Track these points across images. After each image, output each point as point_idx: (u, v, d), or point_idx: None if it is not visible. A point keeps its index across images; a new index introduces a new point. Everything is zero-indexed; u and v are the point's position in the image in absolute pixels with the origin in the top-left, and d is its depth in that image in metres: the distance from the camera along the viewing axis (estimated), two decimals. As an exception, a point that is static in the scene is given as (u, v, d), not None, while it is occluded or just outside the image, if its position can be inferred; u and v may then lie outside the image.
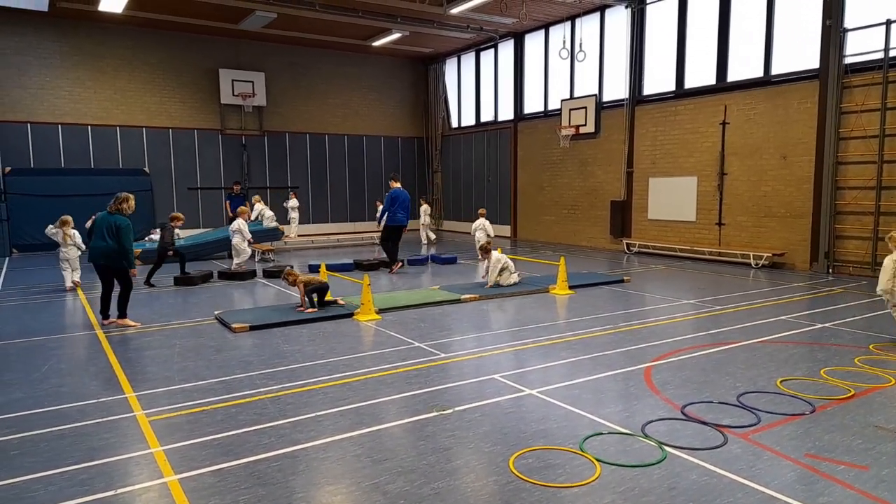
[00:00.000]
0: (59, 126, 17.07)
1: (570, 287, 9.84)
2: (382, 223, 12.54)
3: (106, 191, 16.66)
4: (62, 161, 17.13)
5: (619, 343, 6.67)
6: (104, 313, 7.78)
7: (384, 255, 12.73)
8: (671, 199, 14.82)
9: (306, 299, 8.18)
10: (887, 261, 6.90)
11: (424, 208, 18.65)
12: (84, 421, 4.53)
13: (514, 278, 10.08)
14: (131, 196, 7.73)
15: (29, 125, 16.69)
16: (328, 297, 8.42)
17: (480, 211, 14.75)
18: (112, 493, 3.47)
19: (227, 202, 17.54)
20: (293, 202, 18.45)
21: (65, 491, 3.49)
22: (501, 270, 9.87)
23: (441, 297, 9.10)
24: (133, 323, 7.68)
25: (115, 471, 3.75)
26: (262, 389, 5.21)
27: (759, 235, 13.05)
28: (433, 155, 23.19)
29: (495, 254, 10.01)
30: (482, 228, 14.20)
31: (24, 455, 3.96)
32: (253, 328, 7.34)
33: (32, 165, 16.70)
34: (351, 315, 8.00)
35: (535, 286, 10.01)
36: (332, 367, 5.83)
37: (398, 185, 12.48)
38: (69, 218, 10.27)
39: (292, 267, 8.60)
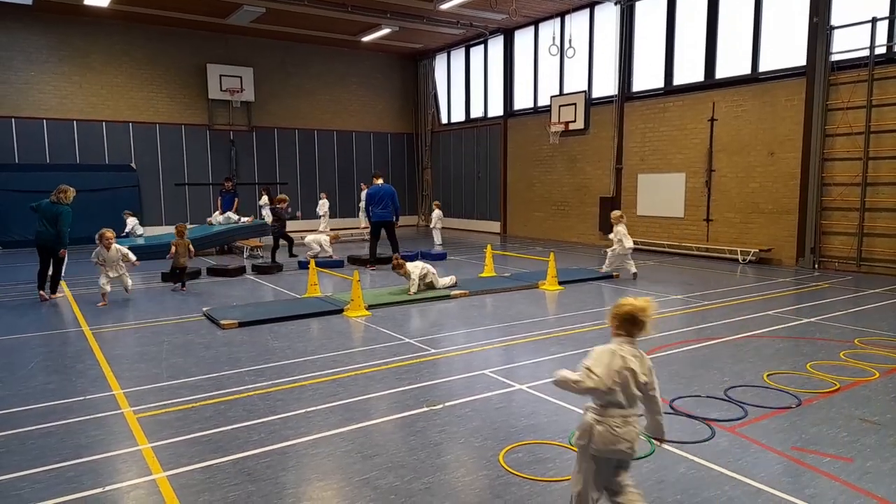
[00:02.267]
0: (44, 121, 16.89)
1: (560, 283, 9.87)
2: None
3: (92, 187, 16.58)
4: (47, 157, 16.95)
5: (609, 338, 6.67)
6: (42, 287, 9.06)
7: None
8: (660, 195, 14.90)
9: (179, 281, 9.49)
10: (613, 235, 10.47)
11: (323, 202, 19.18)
12: (71, 418, 4.49)
13: (448, 280, 9.48)
14: (70, 189, 9.14)
15: (13, 120, 16.50)
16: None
17: (435, 203, 14.88)
18: (100, 490, 3.44)
19: (220, 198, 17.39)
20: (264, 199, 18.24)
21: (52, 488, 3.46)
22: (424, 276, 9.15)
23: (431, 292, 9.10)
24: (58, 295, 9.23)
25: (104, 468, 3.73)
26: (251, 386, 5.19)
27: (746, 231, 13.15)
28: (423, 151, 23.16)
29: (410, 265, 9.19)
30: (441, 219, 15.82)
31: (11, 453, 3.93)
32: (242, 325, 7.30)
33: (17, 161, 16.51)
34: (340, 311, 7.99)
35: (525, 282, 10.03)
36: (322, 364, 5.82)
37: (380, 181, 12.48)
38: None
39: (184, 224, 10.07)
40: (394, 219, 12.28)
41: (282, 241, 13.07)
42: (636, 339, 2.88)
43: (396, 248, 12.37)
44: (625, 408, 2.78)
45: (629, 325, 2.85)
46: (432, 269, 9.30)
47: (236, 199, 17.14)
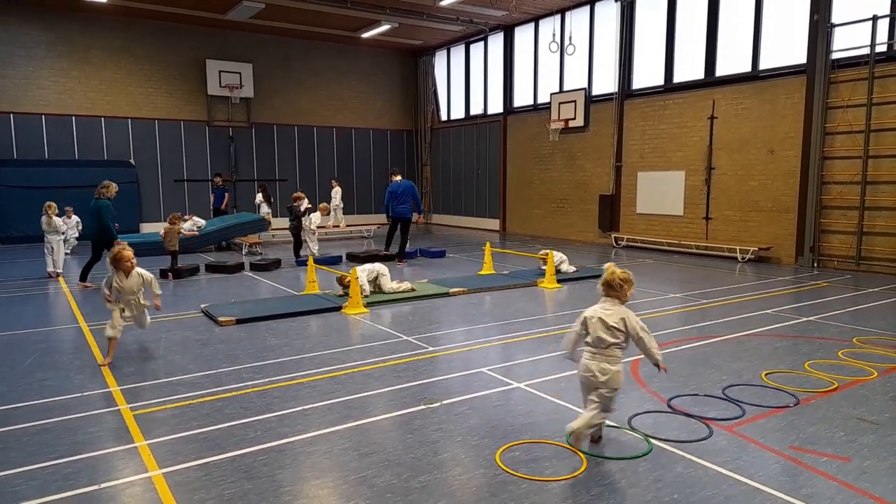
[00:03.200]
0: (43, 117, 16.85)
1: (559, 281, 9.86)
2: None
3: (90, 182, 16.49)
4: (46, 152, 16.92)
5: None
6: (82, 278, 9.76)
7: (378, 248, 13.04)
8: (659, 193, 14.89)
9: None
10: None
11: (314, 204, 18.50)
12: (68, 415, 4.48)
13: (398, 285, 8.91)
14: (111, 184, 9.65)
15: (12, 116, 16.46)
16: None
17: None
18: (96, 487, 3.44)
19: (213, 195, 17.37)
20: (259, 198, 17.81)
21: (49, 485, 3.45)
22: (374, 279, 8.75)
23: (429, 290, 9.09)
24: (88, 285, 9.64)
25: (100, 465, 3.72)
26: (248, 383, 5.18)
27: (745, 230, 13.14)
28: (423, 148, 23.13)
29: (358, 269, 8.62)
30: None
31: (7, 449, 3.92)
32: (240, 321, 7.30)
33: (15, 157, 16.49)
34: (339, 308, 7.98)
35: (524, 280, 10.02)
36: (320, 361, 5.82)
37: (398, 177, 12.56)
38: (53, 204, 10.81)
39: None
40: (413, 213, 12.48)
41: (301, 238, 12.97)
42: (615, 298, 3.89)
43: (405, 245, 12.48)
44: (592, 346, 3.86)
45: (606, 287, 3.93)
46: (383, 271, 8.86)
47: (227, 195, 17.10)
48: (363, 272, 8.62)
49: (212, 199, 17.41)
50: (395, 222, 12.52)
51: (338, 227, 18.83)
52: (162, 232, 10.74)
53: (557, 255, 10.49)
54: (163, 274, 10.44)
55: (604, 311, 3.86)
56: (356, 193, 21.82)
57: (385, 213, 12.66)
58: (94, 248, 9.73)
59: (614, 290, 3.89)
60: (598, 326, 3.82)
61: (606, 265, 4.01)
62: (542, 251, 10.67)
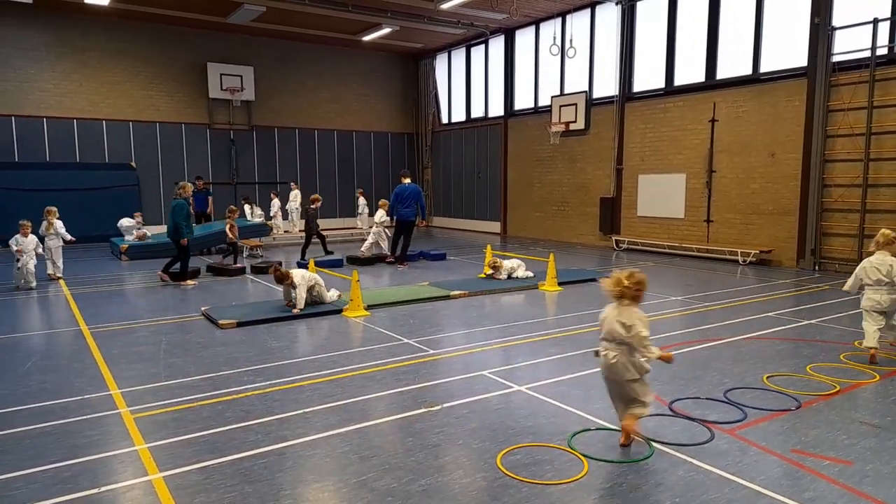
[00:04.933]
0: (45, 119, 16.87)
1: (560, 283, 9.85)
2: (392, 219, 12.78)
3: (92, 185, 16.58)
4: (47, 155, 16.93)
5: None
6: (164, 271, 10.34)
7: (379, 251, 13.12)
8: (660, 195, 14.87)
9: None
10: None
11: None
12: (68, 418, 4.47)
13: (335, 293, 8.49)
14: (186, 184, 10.39)
15: (13, 118, 16.48)
16: None
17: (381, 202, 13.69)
18: (96, 490, 3.43)
19: (192, 199, 17.10)
20: (248, 210, 17.39)
21: (48, 489, 3.44)
22: (311, 287, 8.04)
23: (430, 293, 9.08)
24: (190, 282, 10.25)
25: (100, 468, 3.71)
26: (249, 386, 5.17)
27: (746, 232, 13.13)
28: (423, 151, 23.14)
29: (298, 275, 7.96)
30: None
31: (6, 453, 3.91)
32: (240, 324, 7.28)
33: (17, 159, 16.50)
34: (340, 311, 7.97)
35: (525, 282, 10.01)
36: (320, 364, 5.81)
37: (407, 180, 12.53)
38: (54, 209, 10.72)
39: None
40: (417, 218, 12.44)
41: (314, 239, 13.41)
42: (886, 252, 5.74)
43: (406, 249, 12.46)
44: (874, 285, 5.80)
45: (884, 243, 5.79)
46: (320, 280, 8.19)
47: (209, 198, 16.96)
48: (304, 279, 7.93)
49: (191, 202, 17.17)
50: (399, 225, 12.50)
51: (289, 232, 18.14)
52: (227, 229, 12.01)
53: (512, 262, 10.38)
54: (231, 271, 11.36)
55: (877, 260, 5.76)
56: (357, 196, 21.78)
57: (390, 214, 12.62)
58: (177, 247, 10.11)
59: (887, 245, 5.75)
60: (873, 272, 5.76)
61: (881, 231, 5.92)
62: (490, 261, 10.36)
